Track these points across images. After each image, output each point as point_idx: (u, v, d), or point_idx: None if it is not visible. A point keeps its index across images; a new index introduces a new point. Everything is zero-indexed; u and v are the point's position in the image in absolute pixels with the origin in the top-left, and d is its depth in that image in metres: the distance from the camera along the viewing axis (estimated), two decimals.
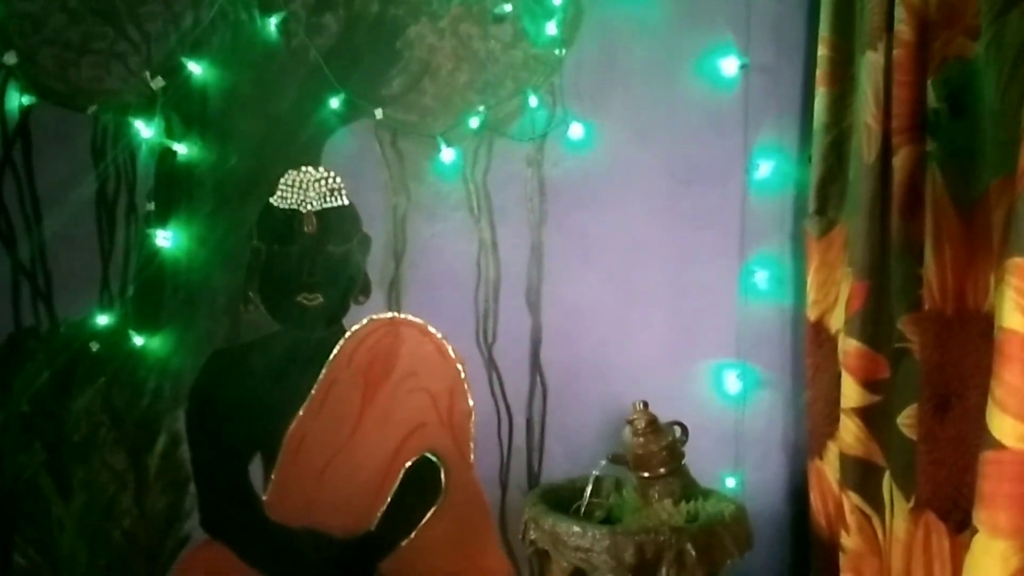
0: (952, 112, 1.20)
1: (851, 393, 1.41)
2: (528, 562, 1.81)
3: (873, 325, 1.39)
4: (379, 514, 1.82)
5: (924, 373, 1.22)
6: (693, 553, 1.33)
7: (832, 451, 1.57)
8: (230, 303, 1.84)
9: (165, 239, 1.82)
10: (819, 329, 1.61)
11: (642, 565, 1.32)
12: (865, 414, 1.40)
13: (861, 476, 1.40)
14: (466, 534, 1.81)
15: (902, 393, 1.29)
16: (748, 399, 1.77)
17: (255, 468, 1.86)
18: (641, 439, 1.51)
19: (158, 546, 1.88)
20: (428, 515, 1.81)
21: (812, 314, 1.61)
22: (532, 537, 1.42)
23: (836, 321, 1.58)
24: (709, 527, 1.37)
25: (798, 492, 1.75)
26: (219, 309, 1.84)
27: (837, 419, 1.54)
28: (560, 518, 1.39)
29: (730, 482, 1.76)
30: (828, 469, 1.58)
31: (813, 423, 1.62)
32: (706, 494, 1.52)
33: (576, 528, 1.35)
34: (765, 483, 1.78)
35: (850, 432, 1.41)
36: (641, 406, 1.53)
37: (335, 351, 1.82)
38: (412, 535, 1.82)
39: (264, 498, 1.85)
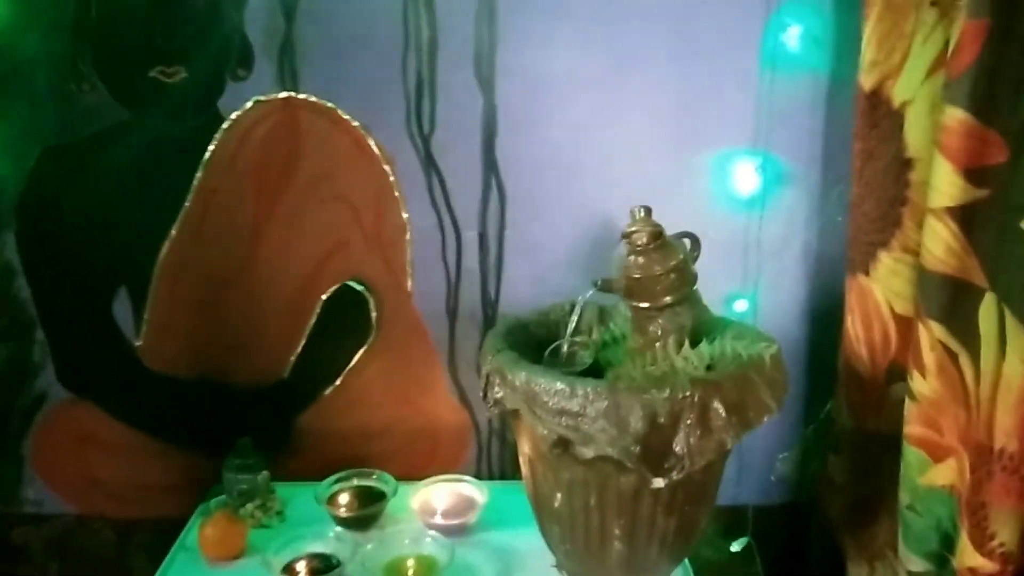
0: None
1: (946, 186, 1.01)
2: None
3: (989, 86, 0.98)
4: (292, 359, 1.54)
5: None
6: (723, 413, 0.97)
7: (884, 264, 1.23)
8: (56, 82, 1.42)
9: None
10: (876, 101, 1.22)
11: (653, 431, 0.96)
12: (964, 215, 1.02)
13: (949, 300, 1.04)
14: (407, 377, 1.57)
15: None
16: (766, 200, 1.42)
17: (122, 307, 1.52)
18: (641, 259, 1.10)
19: (7, 407, 1.58)
20: (356, 357, 1.55)
21: (867, 81, 1.22)
22: (497, 396, 1.04)
23: (902, 89, 1.19)
24: (743, 377, 1.00)
25: (820, 315, 1.47)
26: (41, 91, 1.43)
27: (895, 222, 1.22)
28: (537, 371, 1.00)
29: (739, 305, 1.45)
30: (876, 287, 1.25)
31: (857, 228, 1.27)
32: (727, 327, 1.14)
33: (561, 385, 0.97)
34: (779, 305, 1.47)
35: (939, 240, 1.03)
36: (642, 213, 1.12)
37: (211, 148, 1.45)
38: (337, 382, 1.56)
39: (138, 344, 1.54)
